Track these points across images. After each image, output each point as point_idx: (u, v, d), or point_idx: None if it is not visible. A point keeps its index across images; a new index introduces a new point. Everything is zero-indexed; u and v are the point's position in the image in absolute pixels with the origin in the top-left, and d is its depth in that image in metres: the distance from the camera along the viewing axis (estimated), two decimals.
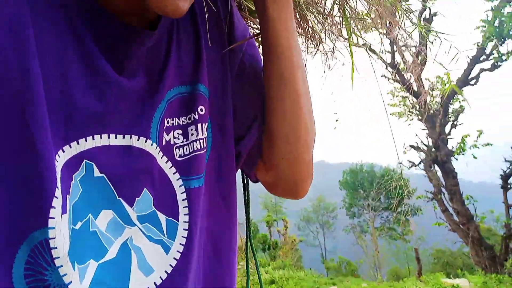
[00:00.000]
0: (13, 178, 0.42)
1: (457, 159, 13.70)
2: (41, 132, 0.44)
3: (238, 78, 0.68)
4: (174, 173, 0.59)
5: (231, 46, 0.66)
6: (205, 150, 0.62)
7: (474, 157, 13.55)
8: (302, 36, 0.88)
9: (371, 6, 0.84)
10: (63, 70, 0.48)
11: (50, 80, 0.47)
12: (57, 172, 0.45)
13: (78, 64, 0.50)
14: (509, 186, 13.20)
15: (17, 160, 0.43)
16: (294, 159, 0.66)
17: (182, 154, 0.60)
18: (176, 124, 0.60)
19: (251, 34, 0.74)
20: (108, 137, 0.52)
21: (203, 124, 0.62)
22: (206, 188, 0.62)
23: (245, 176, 0.77)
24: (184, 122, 0.61)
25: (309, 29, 0.85)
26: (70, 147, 0.49)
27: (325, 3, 0.82)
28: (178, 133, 0.60)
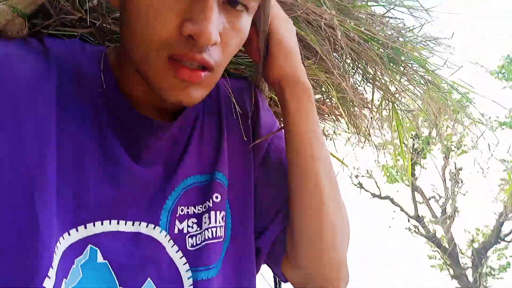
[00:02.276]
0: (13, 253, 0.42)
1: None
2: (46, 216, 0.44)
3: (262, 169, 0.67)
4: (184, 264, 0.56)
5: (255, 138, 0.66)
6: (218, 239, 0.60)
7: None
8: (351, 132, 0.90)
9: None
10: (80, 158, 0.50)
11: (65, 166, 0.48)
12: (57, 254, 0.45)
13: (95, 153, 0.51)
14: None
15: (19, 238, 0.42)
16: (319, 260, 0.62)
17: (195, 244, 0.58)
18: (192, 212, 0.59)
19: (279, 126, 0.73)
20: (118, 223, 0.52)
21: (218, 212, 0.60)
22: (223, 281, 0.59)
23: (276, 277, 0.74)
24: (200, 210, 0.60)
25: (356, 124, 0.87)
26: (77, 231, 0.49)
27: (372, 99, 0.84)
28: (192, 222, 0.59)
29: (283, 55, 0.60)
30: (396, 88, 1.07)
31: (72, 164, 0.49)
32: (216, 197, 0.61)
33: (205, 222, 0.60)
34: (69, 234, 0.48)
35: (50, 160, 0.46)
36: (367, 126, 0.92)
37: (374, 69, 1.05)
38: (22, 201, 0.43)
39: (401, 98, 1.10)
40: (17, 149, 0.44)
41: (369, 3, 1.06)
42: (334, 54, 0.91)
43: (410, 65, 1.11)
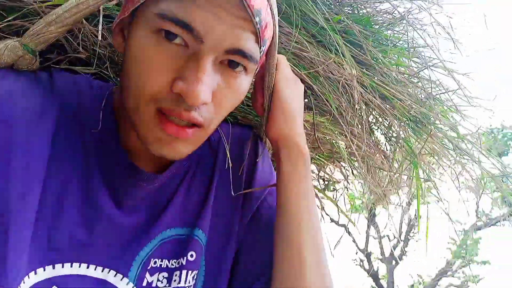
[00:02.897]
0: None
1: None
2: (17, 252, 0.44)
3: (250, 226, 0.64)
4: None
5: (248, 193, 0.64)
6: None
7: None
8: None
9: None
10: (61, 197, 0.49)
11: (46, 203, 0.48)
12: None
13: (77, 193, 0.51)
14: None
15: None
16: None
17: None
18: (165, 266, 0.57)
19: None
20: (87, 267, 0.51)
21: (190, 272, 0.58)
22: None
23: None
24: (173, 266, 0.58)
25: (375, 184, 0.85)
26: (44, 270, 0.48)
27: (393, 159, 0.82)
28: (163, 276, 0.57)
29: (284, 116, 0.59)
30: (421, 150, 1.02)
31: (52, 203, 0.49)
32: (191, 255, 0.58)
33: (174, 280, 0.57)
34: (35, 273, 0.47)
35: (33, 196, 0.46)
36: (383, 187, 0.87)
37: (398, 128, 1.01)
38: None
39: (425, 160, 1.04)
40: (2, 181, 0.44)
41: (402, 60, 1.03)
42: (357, 109, 0.88)
43: (440, 129, 1.05)
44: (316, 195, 1.19)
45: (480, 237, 6.69)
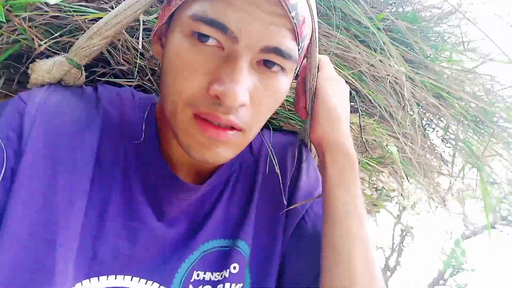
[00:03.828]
0: None
1: None
2: (64, 263, 0.44)
3: (295, 236, 0.60)
4: None
5: (292, 201, 0.61)
6: None
7: None
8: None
9: None
10: (104, 208, 0.50)
11: (91, 215, 0.49)
12: None
13: (119, 205, 0.51)
14: None
15: (32, 278, 0.42)
16: None
17: None
18: (208, 279, 0.55)
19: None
20: (131, 280, 0.50)
21: (234, 284, 0.56)
22: None
23: None
24: (216, 278, 0.56)
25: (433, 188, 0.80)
26: (90, 282, 0.48)
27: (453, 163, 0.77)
28: None
29: (327, 117, 0.55)
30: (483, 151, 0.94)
31: (96, 214, 0.49)
32: (234, 268, 0.56)
33: None
34: (81, 284, 0.47)
35: (78, 208, 0.47)
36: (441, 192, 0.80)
37: (456, 128, 0.93)
38: (45, 235, 0.44)
39: (489, 163, 0.95)
40: (50, 192, 0.46)
41: (455, 56, 0.96)
42: (408, 110, 0.83)
43: (504, 128, 0.96)
44: (368, 204, 1.13)
45: None
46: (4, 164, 0.43)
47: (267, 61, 0.45)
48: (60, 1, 0.53)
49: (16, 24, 0.54)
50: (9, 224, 0.42)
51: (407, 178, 0.78)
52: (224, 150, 0.47)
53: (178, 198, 0.55)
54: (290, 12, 0.43)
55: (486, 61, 0.88)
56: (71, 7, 0.55)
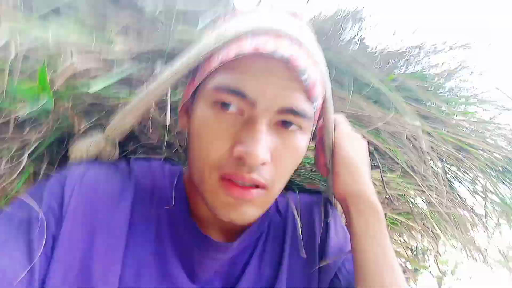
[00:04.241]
0: None
1: None
2: None
3: None
4: None
5: (323, 260, 0.62)
6: None
7: None
8: None
9: None
10: (138, 273, 0.52)
11: (126, 280, 0.51)
12: None
13: (153, 269, 0.53)
14: None
15: None
16: None
17: None
18: None
19: None
20: None
21: None
22: None
23: None
24: None
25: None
26: None
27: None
28: None
29: (348, 172, 0.57)
30: None
31: (131, 277, 0.51)
32: None
33: None
34: None
35: (114, 273, 0.49)
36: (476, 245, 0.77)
37: (484, 181, 0.92)
38: None
39: None
40: (87, 257, 0.49)
41: (470, 108, 0.98)
42: (432, 165, 0.83)
43: None
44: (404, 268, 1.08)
45: None
46: (45, 234, 0.47)
47: (285, 121, 0.49)
48: (99, 90, 0.59)
49: (61, 112, 0.60)
50: None
51: (440, 230, 0.76)
52: (250, 209, 0.49)
53: (209, 258, 0.56)
54: (301, 76, 0.47)
55: (502, 112, 0.89)
56: (109, 96, 0.62)
